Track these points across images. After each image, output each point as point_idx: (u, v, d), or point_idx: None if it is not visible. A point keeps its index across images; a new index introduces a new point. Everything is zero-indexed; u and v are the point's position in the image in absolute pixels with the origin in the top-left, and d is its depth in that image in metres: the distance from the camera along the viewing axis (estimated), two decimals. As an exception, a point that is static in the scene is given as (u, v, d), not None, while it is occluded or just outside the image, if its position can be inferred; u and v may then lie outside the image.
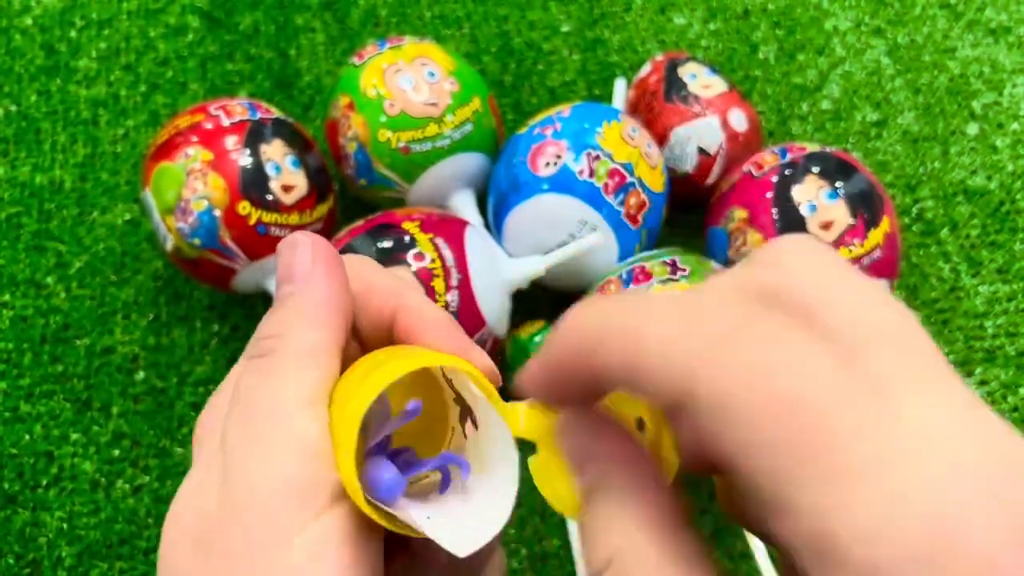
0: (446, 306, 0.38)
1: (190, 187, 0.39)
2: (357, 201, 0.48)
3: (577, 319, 0.16)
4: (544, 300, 0.45)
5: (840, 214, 0.39)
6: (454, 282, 0.38)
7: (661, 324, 0.15)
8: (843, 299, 0.14)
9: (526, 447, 0.18)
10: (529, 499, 0.40)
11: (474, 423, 0.19)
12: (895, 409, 0.13)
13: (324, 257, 0.19)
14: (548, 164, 0.41)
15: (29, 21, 0.55)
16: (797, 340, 0.13)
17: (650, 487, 0.16)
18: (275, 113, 0.43)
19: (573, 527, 0.40)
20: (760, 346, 0.13)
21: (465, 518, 0.18)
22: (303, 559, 0.16)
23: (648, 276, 0.39)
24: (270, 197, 0.40)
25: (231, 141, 0.40)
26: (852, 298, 0.14)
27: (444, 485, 0.19)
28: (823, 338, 0.13)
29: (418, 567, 0.20)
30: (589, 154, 0.40)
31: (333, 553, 0.16)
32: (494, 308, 0.39)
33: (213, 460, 0.18)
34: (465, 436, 0.19)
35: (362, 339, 0.20)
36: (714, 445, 0.14)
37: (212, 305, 0.46)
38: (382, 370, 0.17)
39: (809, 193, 0.39)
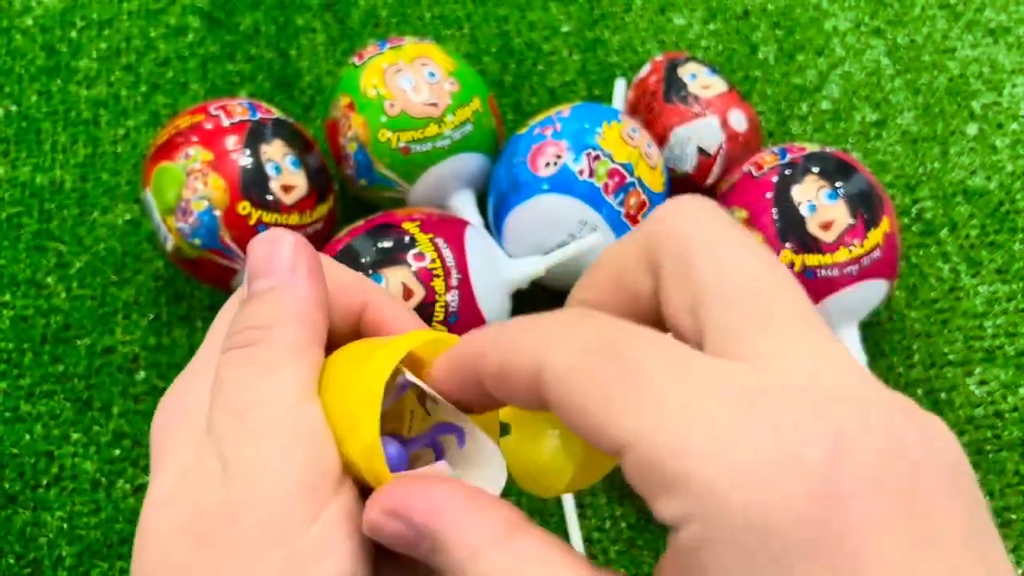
0: (446, 306, 0.38)
1: (190, 187, 0.39)
2: (357, 201, 0.48)
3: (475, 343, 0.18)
4: (544, 300, 0.45)
5: (840, 214, 0.39)
6: (454, 282, 0.38)
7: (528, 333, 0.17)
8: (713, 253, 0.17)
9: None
10: (528, 501, 0.40)
11: (434, 401, 0.19)
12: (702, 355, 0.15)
13: (307, 255, 0.20)
14: (548, 164, 0.41)
15: (30, 21, 0.55)
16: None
17: (489, 533, 0.16)
18: (275, 113, 0.43)
19: (574, 528, 0.40)
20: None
21: None
22: (318, 549, 0.16)
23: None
24: (270, 197, 0.40)
25: (231, 141, 0.40)
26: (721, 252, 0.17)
27: (438, 457, 0.19)
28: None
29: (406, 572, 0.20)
30: (589, 154, 0.40)
31: (344, 539, 0.17)
32: (494, 308, 0.39)
33: (203, 449, 0.18)
34: (428, 413, 0.20)
35: (329, 334, 0.21)
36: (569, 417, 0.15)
37: (213, 305, 0.46)
38: (387, 349, 0.18)
39: (809, 193, 0.39)
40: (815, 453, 0.13)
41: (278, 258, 0.19)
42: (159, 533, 0.17)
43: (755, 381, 0.14)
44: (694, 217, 0.17)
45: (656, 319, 0.18)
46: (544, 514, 0.41)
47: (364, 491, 0.18)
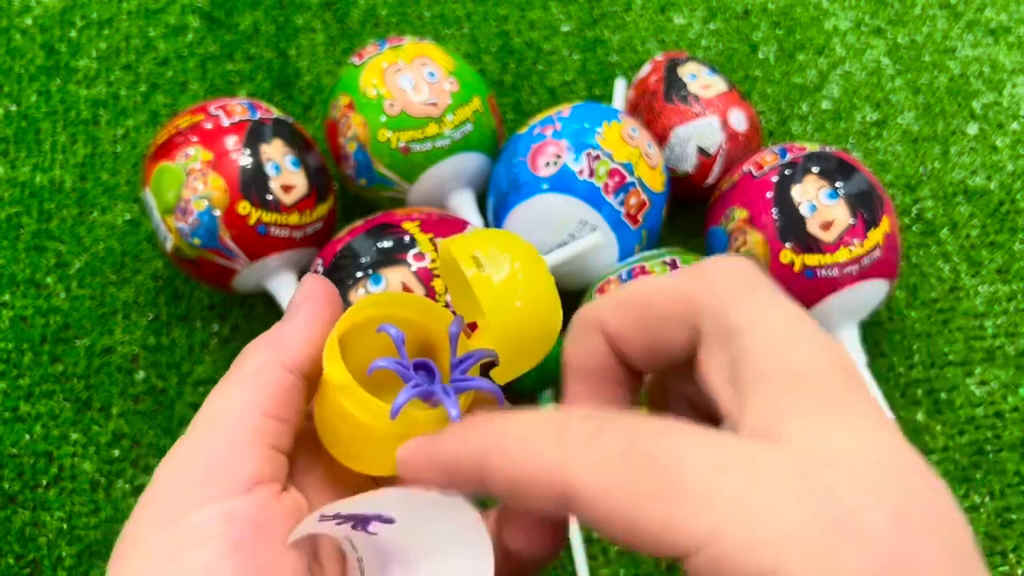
0: (446, 306, 0.38)
1: (190, 187, 0.39)
2: (357, 201, 0.48)
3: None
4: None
5: (840, 214, 0.39)
6: (454, 282, 0.38)
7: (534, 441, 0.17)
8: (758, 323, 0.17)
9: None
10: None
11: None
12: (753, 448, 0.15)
13: (315, 292, 0.21)
14: (548, 164, 0.41)
15: (29, 21, 0.55)
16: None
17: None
18: (275, 113, 0.43)
19: (574, 528, 0.40)
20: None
21: None
22: (189, 537, 0.17)
23: (648, 276, 0.39)
24: (270, 197, 0.40)
25: (231, 141, 0.40)
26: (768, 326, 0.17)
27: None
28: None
29: None
30: (589, 154, 0.40)
31: (215, 536, 0.17)
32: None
33: None
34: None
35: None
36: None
37: (212, 305, 0.46)
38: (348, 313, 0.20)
39: (809, 193, 0.39)
40: (876, 523, 0.14)
41: (295, 299, 0.21)
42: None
43: (796, 461, 0.14)
44: (740, 281, 0.17)
45: (678, 368, 0.19)
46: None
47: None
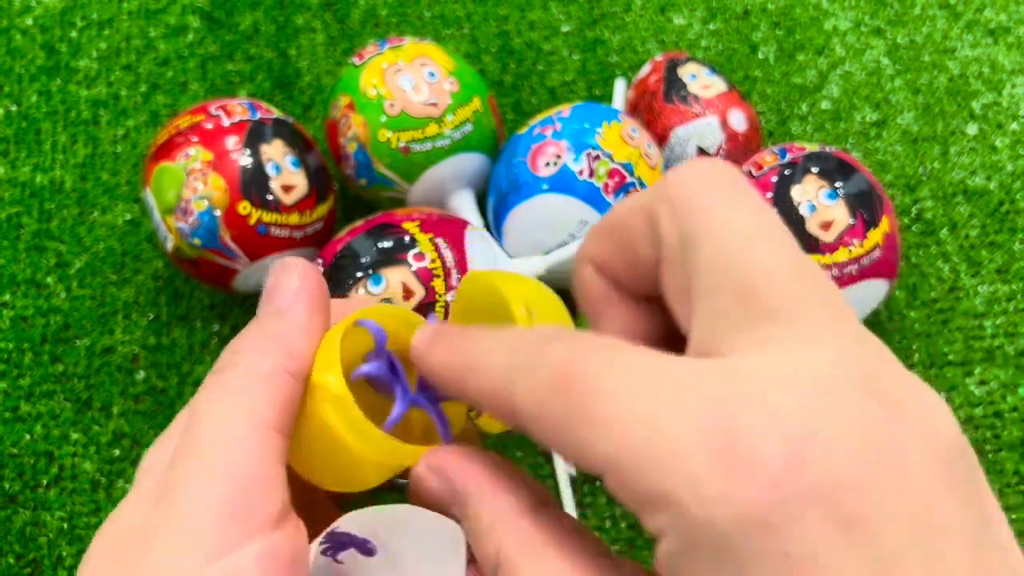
0: (446, 306, 0.38)
1: (190, 187, 0.39)
2: (357, 201, 0.48)
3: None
4: (544, 300, 0.45)
5: (840, 214, 0.39)
6: (454, 282, 0.38)
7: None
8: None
9: None
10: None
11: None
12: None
13: (310, 285, 0.20)
14: (548, 164, 0.41)
15: (29, 21, 0.55)
16: None
17: (515, 502, 0.17)
18: (275, 113, 0.43)
19: (570, 505, 0.40)
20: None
21: None
22: None
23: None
24: (270, 197, 0.40)
25: (231, 141, 0.40)
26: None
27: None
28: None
29: None
30: (589, 154, 0.40)
31: None
32: (494, 308, 0.39)
33: (155, 479, 0.17)
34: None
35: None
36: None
37: (212, 305, 0.46)
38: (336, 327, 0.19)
39: (808, 193, 0.39)
40: (770, 459, 0.13)
41: (283, 285, 0.20)
42: (89, 556, 0.17)
43: (723, 384, 0.14)
44: (703, 184, 0.16)
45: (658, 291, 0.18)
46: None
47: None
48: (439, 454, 0.18)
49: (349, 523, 0.18)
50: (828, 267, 0.39)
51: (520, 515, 0.17)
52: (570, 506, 0.40)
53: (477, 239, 0.40)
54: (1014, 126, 0.52)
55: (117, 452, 0.42)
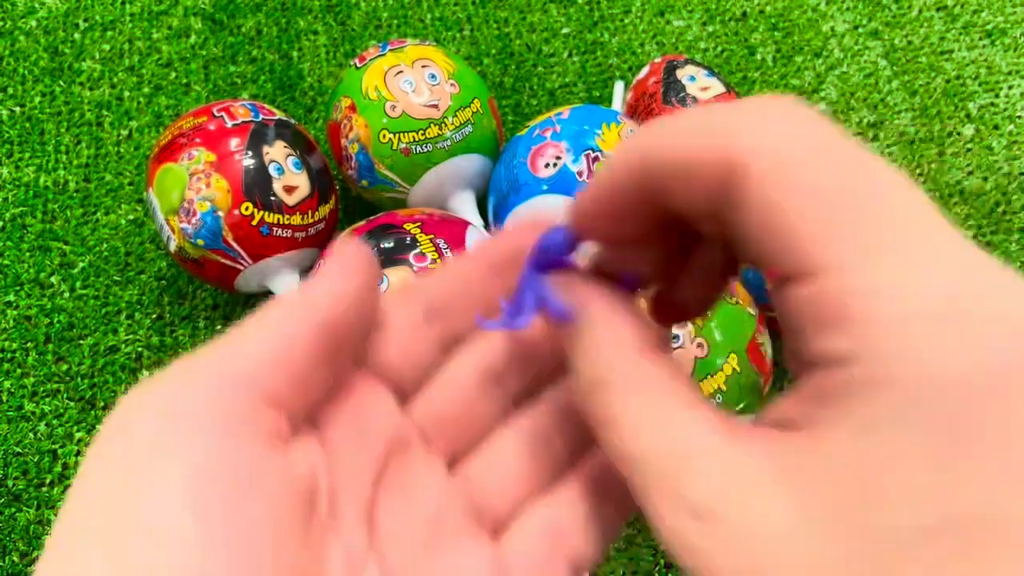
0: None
1: (193, 188, 0.40)
2: (359, 202, 0.48)
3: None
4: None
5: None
6: (455, 282, 0.38)
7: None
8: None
9: None
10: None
11: None
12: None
13: (349, 260, 0.18)
14: (548, 165, 0.41)
15: (33, 23, 0.55)
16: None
17: (630, 319, 0.17)
18: (278, 115, 0.43)
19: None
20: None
21: None
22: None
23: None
24: (273, 198, 0.40)
25: (234, 142, 0.40)
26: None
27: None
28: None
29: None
30: (588, 155, 0.41)
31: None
32: (494, 308, 0.40)
33: None
34: None
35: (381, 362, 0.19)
36: (759, 213, 0.13)
37: (215, 305, 0.47)
38: None
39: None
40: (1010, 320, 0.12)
41: (327, 263, 0.19)
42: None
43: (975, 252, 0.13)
44: (792, 133, 0.14)
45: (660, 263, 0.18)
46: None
47: None
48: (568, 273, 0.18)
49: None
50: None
51: (638, 350, 0.16)
52: None
53: (478, 240, 0.41)
54: (1010, 127, 0.52)
55: (121, 450, 0.43)
